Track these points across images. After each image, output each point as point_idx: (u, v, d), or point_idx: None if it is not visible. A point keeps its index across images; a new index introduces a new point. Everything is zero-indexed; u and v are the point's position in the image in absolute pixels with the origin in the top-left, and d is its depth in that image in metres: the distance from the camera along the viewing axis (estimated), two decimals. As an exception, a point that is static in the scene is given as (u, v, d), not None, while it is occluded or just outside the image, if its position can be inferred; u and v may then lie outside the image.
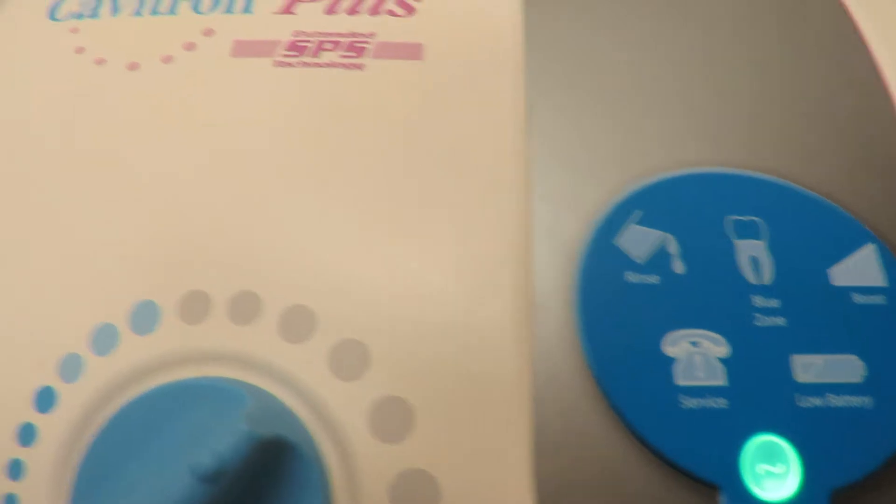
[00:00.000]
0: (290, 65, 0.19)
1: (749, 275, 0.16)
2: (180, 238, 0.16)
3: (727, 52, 0.18)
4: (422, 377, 0.14)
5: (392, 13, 0.20)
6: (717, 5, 0.19)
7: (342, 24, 0.20)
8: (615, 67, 0.18)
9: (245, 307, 0.15)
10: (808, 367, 0.16)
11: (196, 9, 0.20)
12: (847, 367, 0.16)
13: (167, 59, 0.19)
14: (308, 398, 0.14)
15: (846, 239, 0.17)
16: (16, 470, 0.15)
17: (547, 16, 0.20)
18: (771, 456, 0.15)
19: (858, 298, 0.16)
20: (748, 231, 0.17)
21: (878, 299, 0.16)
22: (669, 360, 0.15)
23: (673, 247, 0.16)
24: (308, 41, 0.19)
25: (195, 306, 0.15)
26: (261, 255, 0.16)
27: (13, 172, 0.17)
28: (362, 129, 0.18)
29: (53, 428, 0.15)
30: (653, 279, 0.16)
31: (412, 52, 0.19)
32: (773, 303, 0.16)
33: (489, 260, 0.16)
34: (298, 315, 0.15)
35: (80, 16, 0.20)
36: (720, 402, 0.15)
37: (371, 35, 0.19)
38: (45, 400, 0.15)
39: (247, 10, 0.20)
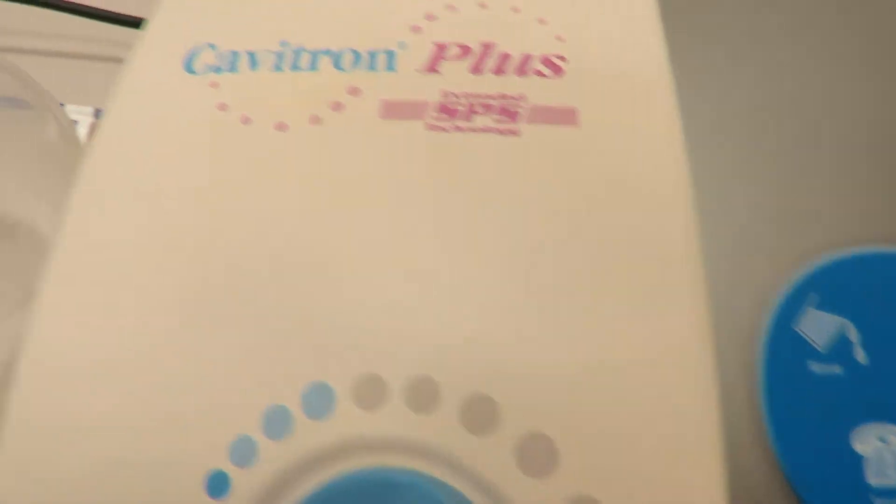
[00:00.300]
0: (443, 129, 0.18)
1: (932, 364, 0.16)
2: (350, 316, 0.16)
3: (905, 127, 0.18)
4: (612, 475, 0.14)
5: (540, 73, 0.19)
6: (891, 73, 0.18)
7: (490, 84, 0.19)
8: (784, 135, 0.18)
9: (423, 393, 0.15)
10: None
11: (337, 65, 0.20)
12: None
13: (315, 120, 0.19)
14: (496, 496, 0.14)
15: None
16: (190, 557, 0.14)
17: (700, 76, 0.19)
18: (966, 561, 0.15)
19: None
20: (927, 316, 0.16)
21: None
22: (859, 458, 0.15)
23: (853, 333, 0.16)
24: (459, 103, 0.19)
25: (370, 390, 0.15)
26: (436, 337, 0.15)
27: (170, 240, 0.17)
28: (526, 200, 0.17)
29: (228, 514, 0.15)
30: (836, 369, 0.15)
31: (567, 117, 0.18)
32: (958, 394, 0.16)
33: (673, 346, 0.15)
34: (480, 404, 0.15)
35: (218, 69, 0.20)
36: (913, 503, 0.15)
37: (522, 98, 0.19)
38: (218, 485, 0.15)
39: (390, 67, 0.20)
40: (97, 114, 0.37)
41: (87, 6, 0.38)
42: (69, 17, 0.39)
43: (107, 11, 0.39)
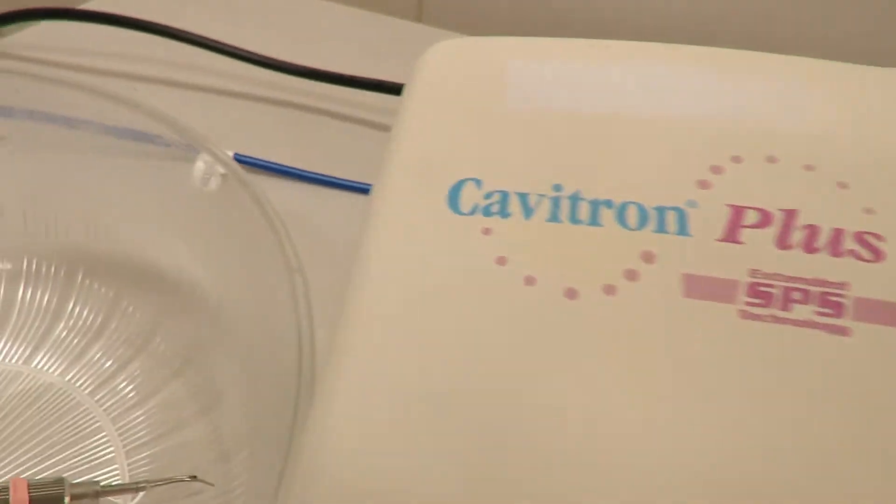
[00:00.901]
0: (758, 317, 0.16)
1: None
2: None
3: None
4: None
5: (858, 256, 0.17)
6: None
7: (802, 264, 0.17)
8: None
9: None
10: None
11: (621, 221, 0.18)
12: None
13: (609, 290, 0.17)
14: None
15: None
16: None
17: None
18: None
19: None
20: None
21: None
22: None
23: None
24: (771, 286, 0.17)
25: None
26: None
27: (452, 412, 0.16)
28: (861, 419, 0.15)
29: None
30: None
31: (901, 317, 0.16)
32: None
33: None
34: None
35: (487, 211, 0.18)
36: None
37: (844, 286, 0.17)
38: None
39: (682, 231, 0.18)
40: (235, 158, 0.36)
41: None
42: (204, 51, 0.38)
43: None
